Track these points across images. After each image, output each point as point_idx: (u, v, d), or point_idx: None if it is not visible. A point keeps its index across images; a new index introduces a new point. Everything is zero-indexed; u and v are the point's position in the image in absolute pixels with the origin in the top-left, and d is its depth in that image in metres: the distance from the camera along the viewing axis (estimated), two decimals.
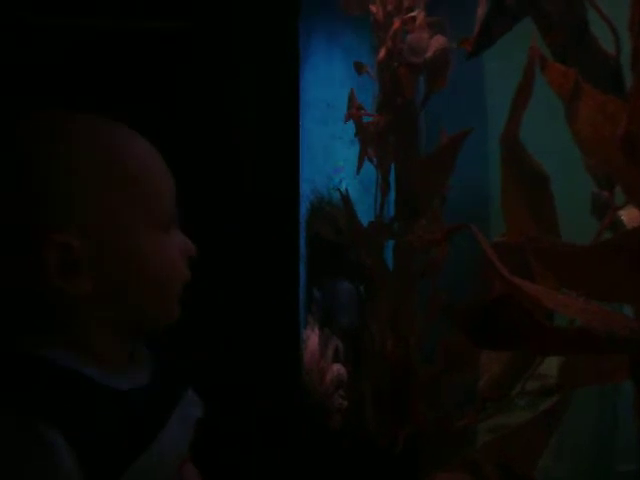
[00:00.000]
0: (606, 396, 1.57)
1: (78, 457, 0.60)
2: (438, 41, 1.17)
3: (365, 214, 1.47)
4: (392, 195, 1.38)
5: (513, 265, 0.86)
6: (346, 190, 1.43)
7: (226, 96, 1.46)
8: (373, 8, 1.32)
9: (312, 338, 1.61)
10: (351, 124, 1.43)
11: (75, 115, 0.72)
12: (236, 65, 1.46)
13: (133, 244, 0.70)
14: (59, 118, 0.71)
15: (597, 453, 1.63)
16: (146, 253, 0.70)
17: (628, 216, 0.99)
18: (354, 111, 1.35)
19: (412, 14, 1.23)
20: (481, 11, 0.97)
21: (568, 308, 0.79)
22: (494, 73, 1.44)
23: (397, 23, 1.25)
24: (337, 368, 1.54)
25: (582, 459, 1.61)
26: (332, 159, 1.66)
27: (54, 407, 0.61)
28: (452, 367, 1.07)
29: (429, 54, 1.17)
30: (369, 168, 1.46)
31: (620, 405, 1.56)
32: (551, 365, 1.06)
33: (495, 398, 1.00)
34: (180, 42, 1.41)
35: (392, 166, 1.33)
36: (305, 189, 1.60)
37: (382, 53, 1.26)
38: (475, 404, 1.05)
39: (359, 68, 1.36)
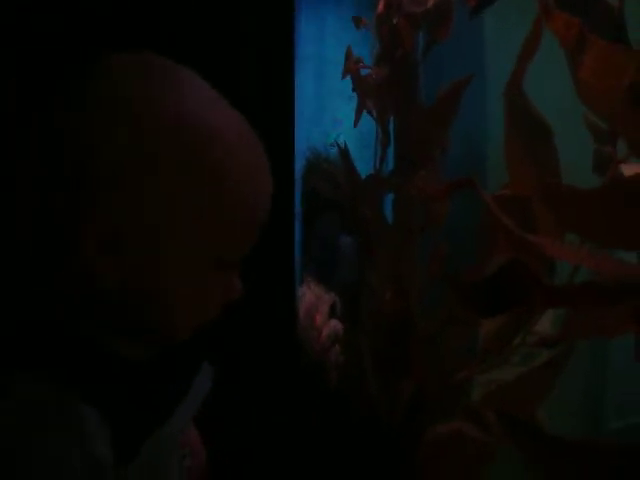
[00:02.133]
0: (597, 352, 1.59)
1: (110, 430, 0.61)
2: None
3: (363, 169, 1.47)
4: (391, 149, 1.37)
5: (516, 217, 0.86)
6: (344, 144, 1.42)
7: (219, 51, 1.44)
8: None
9: (308, 295, 1.61)
10: (349, 79, 1.42)
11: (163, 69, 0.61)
12: (229, 19, 1.43)
13: (165, 276, 0.62)
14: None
15: (588, 410, 1.65)
16: (176, 292, 0.63)
17: (630, 171, 0.99)
18: (352, 65, 1.34)
19: None
20: None
21: (573, 256, 0.79)
22: (493, 27, 1.43)
23: None
24: (334, 324, 1.55)
25: (572, 416, 1.63)
26: (329, 115, 1.64)
27: (89, 383, 0.61)
28: (453, 320, 1.07)
29: (430, 3, 1.15)
30: (367, 123, 1.45)
31: (611, 361, 1.57)
32: (544, 320, 1.06)
33: (496, 350, 1.00)
34: None
35: (391, 119, 1.31)
36: (301, 145, 1.59)
37: (381, 6, 1.24)
38: (475, 357, 1.06)
39: (357, 22, 1.34)
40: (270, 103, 1.45)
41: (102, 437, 0.61)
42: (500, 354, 1.05)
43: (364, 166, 1.50)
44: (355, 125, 1.37)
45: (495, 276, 0.77)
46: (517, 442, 0.81)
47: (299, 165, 1.60)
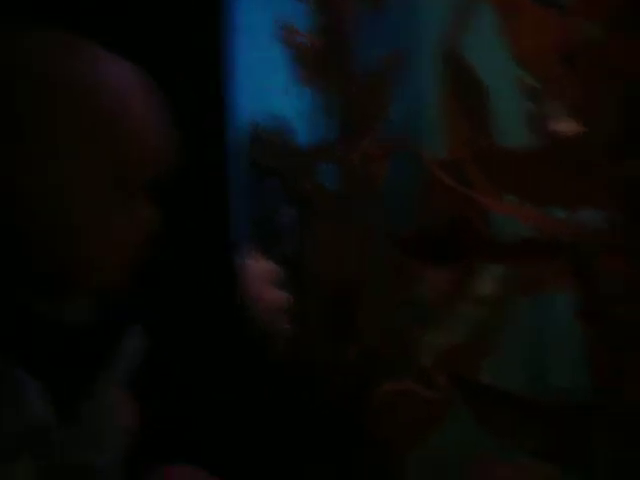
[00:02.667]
0: (541, 311, 1.63)
1: (43, 388, 0.62)
2: None
3: (303, 139, 1.47)
4: (330, 119, 1.38)
5: (454, 179, 0.88)
6: (283, 116, 1.42)
7: (152, 24, 1.41)
8: None
9: (252, 266, 1.61)
10: (287, 50, 1.41)
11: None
12: None
13: (71, 199, 0.63)
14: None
15: (531, 368, 1.69)
16: (80, 218, 0.64)
17: (561, 128, 1.02)
18: (288, 35, 1.33)
19: None
20: None
21: (516, 213, 0.81)
22: None
23: None
24: (279, 293, 1.55)
25: (517, 375, 1.67)
26: (268, 86, 1.64)
27: (23, 348, 0.62)
28: (398, 283, 1.09)
29: None
30: (305, 93, 1.45)
31: (555, 320, 1.61)
32: (485, 285, 1.09)
33: (442, 309, 1.02)
34: None
35: (329, 89, 1.32)
36: (240, 117, 1.58)
37: None
38: (421, 318, 1.08)
39: None
40: (206, 75, 1.43)
41: (40, 401, 0.62)
42: (444, 316, 1.08)
43: (304, 136, 1.50)
44: (294, 95, 1.37)
45: (439, 228, 0.79)
46: (467, 400, 0.83)
47: (238, 137, 1.60)
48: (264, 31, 1.60)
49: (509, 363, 1.29)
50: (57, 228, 0.64)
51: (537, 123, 1.00)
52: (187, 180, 1.40)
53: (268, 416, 1.36)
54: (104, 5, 1.32)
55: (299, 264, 1.45)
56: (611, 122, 0.79)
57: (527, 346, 1.65)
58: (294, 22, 1.42)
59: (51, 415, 0.63)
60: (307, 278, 1.36)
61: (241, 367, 1.43)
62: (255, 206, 1.63)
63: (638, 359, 0.81)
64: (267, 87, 1.64)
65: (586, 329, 0.85)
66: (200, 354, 1.39)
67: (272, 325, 1.53)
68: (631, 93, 0.78)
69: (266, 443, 1.35)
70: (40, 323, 0.65)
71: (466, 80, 0.95)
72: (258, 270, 1.59)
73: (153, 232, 0.70)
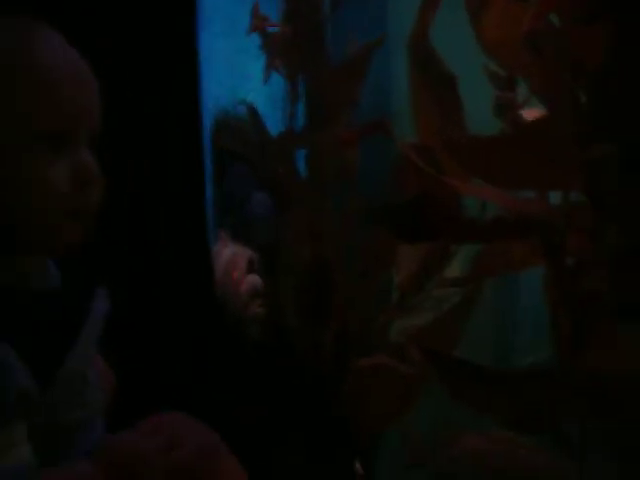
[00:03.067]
0: (507, 291, 1.67)
1: (20, 357, 0.64)
2: None
3: (273, 126, 1.49)
4: (300, 106, 1.40)
5: (425, 164, 0.91)
6: (252, 102, 1.44)
7: (120, 12, 1.41)
8: None
9: (224, 252, 1.63)
10: (257, 37, 1.43)
11: None
12: None
13: None
14: None
15: (498, 346, 1.74)
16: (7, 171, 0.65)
17: (528, 114, 1.06)
18: (259, 22, 1.35)
19: None
20: None
21: (485, 195, 0.85)
22: None
23: None
24: (252, 279, 1.57)
25: (483, 352, 1.71)
26: (237, 73, 1.65)
27: None
28: (371, 267, 1.13)
29: None
30: (275, 80, 1.47)
31: (521, 298, 1.66)
32: (453, 269, 1.13)
33: (413, 292, 1.06)
34: None
35: (300, 76, 1.34)
36: (208, 104, 1.59)
37: None
38: (393, 300, 1.12)
39: None
40: (174, 62, 1.44)
41: (21, 369, 0.64)
42: (415, 298, 1.11)
43: (274, 123, 1.52)
44: (265, 83, 1.39)
45: (410, 202, 0.82)
46: (442, 375, 0.87)
47: (207, 123, 1.61)
48: (234, 18, 1.61)
49: (475, 343, 1.33)
50: None
51: (504, 110, 1.04)
52: (161, 167, 1.42)
53: (241, 396, 1.38)
54: None
55: (273, 249, 1.48)
56: (576, 108, 0.82)
57: (492, 326, 1.69)
58: (265, 9, 1.43)
59: (31, 381, 0.65)
60: (282, 262, 1.38)
61: (216, 349, 1.45)
62: (224, 192, 1.65)
63: (599, 328, 0.86)
64: (237, 74, 1.65)
65: (552, 301, 0.90)
66: (176, 340, 1.41)
67: (245, 309, 1.55)
68: (593, 80, 0.82)
69: (239, 423, 1.37)
70: (5, 292, 0.67)
71: (435, 71, 0.99)
72: (231, 255, 1.61)
73: (100, 186, 0.71)
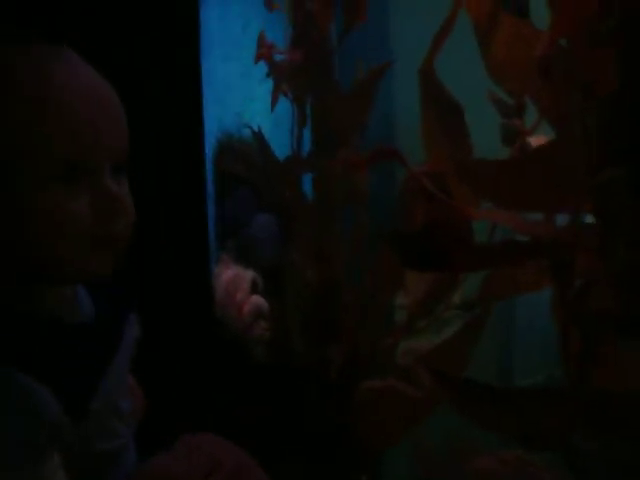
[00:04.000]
0: (503, 313, 1.68)
1: (53, 391, 0.64)
2: None
3: (278, 149, 1.51)
4: (307, 131, 1.42)
5: (436, 190, 0.93)
6: (258, 126, 1.46)
7: (125, 36, 1.43)
8: None
9: (226, 274, 1.64)
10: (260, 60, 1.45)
11: None
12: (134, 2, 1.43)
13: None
14: None
15: (496, 368, 1.75)
16: (34, 204, 0.65)
17: (536, 141, 1.08)
18: (265, 50, 1.37)
19: None
20: None
21: (496, 218, 0.87)
22: (399, 7, 1.50)
23: None
24: (256, 300, 1.58)
25: (482, 376, 1.72)
26: (241, 97, 1.67)
27: (22, 352, 0.65)
28: (380, 290, 1.14)
29: None
30: (279, 104, 1.49)
31: (518, 320, 1.67)
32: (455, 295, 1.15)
33: (422, 315, 1.07)
34: None
35: (308, 101, 1.36)
36: (211, 127, 1.61)
37: None
38: (402, 323, 1.13)
39: (269, 5, 1.38)
40: (177, 86, 1.46)
41: (53, 402, 0.64)
42: (425, 320, 1.13)
43: (277, 146, 1.54)
44: (272, 108, 1.41)
45: (424, 231, 0.84)
46: (452, 398, 0.88)
47: (210, 146, 1.63)
48: (239, 43, 1.64)
49: (479, 363, 1.35)
50: (9, 219, 0.65)
51: (512, 138, 1.06)
52: (165, 188, 1.44)
53: (248, 416, 1.39)
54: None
55: (279, 271, 1.49)
56: (585, 131, 0.85)
57: (490, 349, 1.70)
58: (270, 35, 1.46)
59: (63, 415, 0.65)
60: (288, 284, 1.39)
61: (214, 371, 1.45)
62: (225, 214, 1.66)
63: (608, 347, 0.87)
64: (242, 97, 1.68)
65: (561, 321, 0.91)
66: (174, 361, 1.41)
67: (248, 330, 1.56)
68: (603, 103, 0.84)
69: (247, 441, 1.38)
70: (37, 325, 0.67)
71: (444, 101, 1.01)
72: (233, 276, 1.62)
73: (129, 214, 0.70)
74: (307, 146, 1.44)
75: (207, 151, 1.59)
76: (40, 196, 0.65)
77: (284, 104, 1.50)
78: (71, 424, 0.66)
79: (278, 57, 1.41)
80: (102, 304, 0.76)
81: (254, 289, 1.59)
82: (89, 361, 0.70)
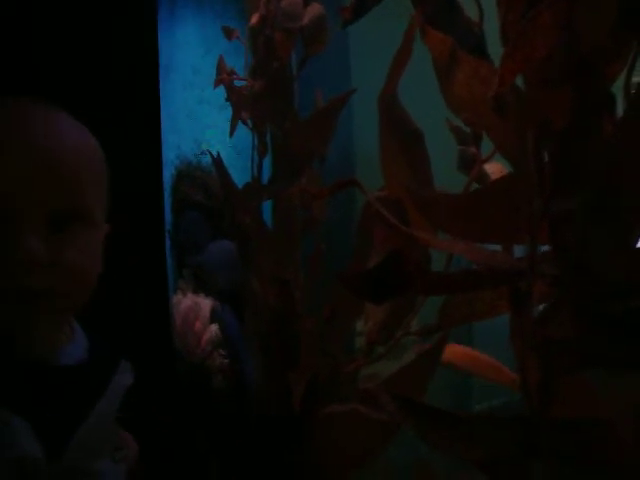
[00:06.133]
0: (461, 337, 1.70)
1: (33, 429, 0.65)
2: (314, 9, 1.23)
3: (237, 177, 1.51)
4: (267, 158, 1.43)
5: (393, 217, 0.94)
6: (217, 153, 1.46)
7: (82, 63, 1.43)
8: None
9: (184, 302, 1.64)
10: (219, 88, 1.46)
11: None
12: (89, 30, 1.43)
13: None
14: None
15: (453, 393, 1.77)
16: None
17: (492, 169, 1.11)
18: (225, 76, 1.38)
19: None
20: None
21: (454, 249, 0.88)
22: (358, 38, 1.52)
23: None
24: (214, 328, 1.58)
25: (442, 401, 1.74)
26: (199, 124, 1.68)
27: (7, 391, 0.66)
28: (339, 316, 1.15)
29: (305, 21, 1.22)
30: (238, 132, 1.50)
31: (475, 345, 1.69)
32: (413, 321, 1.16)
33: (381, 342, 1.08)
34: None
35: (268, 129, 1.37)
36: (169, 155, 1.61)
37: (255, 19, 1.30)
38: (361, 349, 1.14)
39: (229, 33, 1.39)
40: (135, 113, 1.46)
41: (29, 439, 0.65)
42: (385, 346, 1.14)
43: (237, 174, 1.54)
44: (231, 135, 1.42)
45: (380, 265, 0.85)
46: (415, 422, 0.89)
47: (168, 175, 1.63)
48: (197, 69, 1.65)
49: (438, 386, 1.36)
50: None
51: (468, 164, 1.08)
52: (122, 217, 1.43)
53: (207, 445, 1.38)
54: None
55: (237, 298, 1.49)
56: (539, 165, 0.87)
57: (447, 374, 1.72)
58: (229, 61, 1.47)
59: (40, 453, 0.66)
60: (248, 311, 1.39)
61: (174, 401, 1.44)
62: (186, 242, 1.66)
63: (565, 377, 0.89)
64: (200, 124, 1.68)
65: (519, 348, 0.93)
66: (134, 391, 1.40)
67: (208, 358, 1.55)
68: (555, 140, 0.86)
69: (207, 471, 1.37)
70: (22, 365, 0.68)
71: (404, 128, 1.03)
72: (192, 305, 1.61)
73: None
74: (268, 174, 1.45)
75: (165, 179, 1.59)
76: None
77: (245, 132, 1.50)
78: (45, 461, 0.66)
79: (238, 83, 1.42)
80: (97, 348, 0.77)
81: (213, 317, 1.59)
82: (73, 402, 0.71)
